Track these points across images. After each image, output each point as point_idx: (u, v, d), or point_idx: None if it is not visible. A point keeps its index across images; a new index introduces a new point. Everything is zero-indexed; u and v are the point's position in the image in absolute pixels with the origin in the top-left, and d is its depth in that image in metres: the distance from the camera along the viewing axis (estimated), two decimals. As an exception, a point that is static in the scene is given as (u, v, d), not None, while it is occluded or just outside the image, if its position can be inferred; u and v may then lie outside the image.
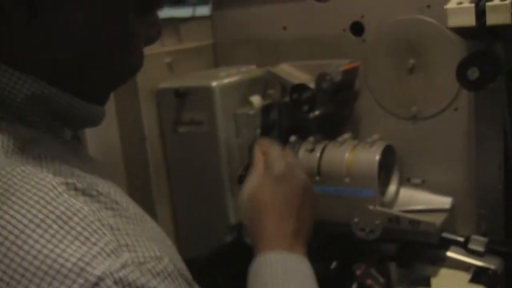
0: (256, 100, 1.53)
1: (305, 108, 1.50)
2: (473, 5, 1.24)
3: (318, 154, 1.51)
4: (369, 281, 1.51)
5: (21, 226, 0.60)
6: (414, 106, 1.54)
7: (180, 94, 1.51)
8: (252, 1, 1.70)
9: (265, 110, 1.55)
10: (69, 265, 0.59)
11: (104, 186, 0.70)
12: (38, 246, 0.59)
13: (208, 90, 1.49)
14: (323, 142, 1.55)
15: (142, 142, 1.54)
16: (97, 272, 0.59)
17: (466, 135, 1.53)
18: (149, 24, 0.81)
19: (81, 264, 0.59)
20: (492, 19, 1.23)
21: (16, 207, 0.61)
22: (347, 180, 1.47)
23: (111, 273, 0.60)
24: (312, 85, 1.49)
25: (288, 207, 1.19)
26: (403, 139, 1.57)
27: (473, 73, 1.32)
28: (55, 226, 0.61)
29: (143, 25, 0.79)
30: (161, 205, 1.60)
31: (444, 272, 1.52)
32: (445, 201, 1.55)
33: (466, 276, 1.50)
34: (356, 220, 1.47)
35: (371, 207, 1.46)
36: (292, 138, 1.57)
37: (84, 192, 0.67)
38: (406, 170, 1.59)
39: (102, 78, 0.80)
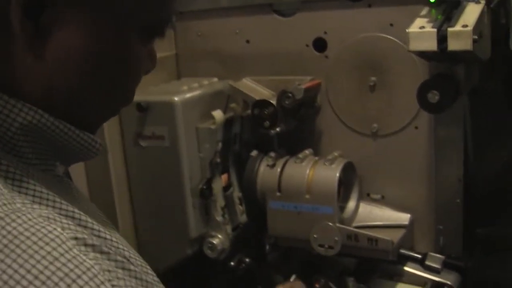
0: (218, 114, 1.53)
1: (267, 124, 1.51)
2: (435, 30, 1.25)
3: (279, 170, 1.52)
4: (327, 295, 1.53)
5: (24, 283, 0.55)
6: (375, 123, 1.55)
7: (142, 108, 1.51)
8: (216, 13, 1.69)
9: (227, 124, 1.55)
10: None
11: (106, 233, 0.68)
12: None
13: (170, 105, 1.49)
14: (284, 157, 1.56)
15: (104, 155, 1.53)
16: None
17: (426, 153, 1.54)
18: (148, 55, 0.79)
19: None
20: (453, 45, 1.24)
21: (20, 260, 0.56)
22: (307, 196, 1.48)
23: None
24: (274, 101, 1.50)
25: None
26: (364, 156, 1.58)
27: (434, 96, 1.33)
28: (62, 285, 0.55)
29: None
30: (123, 218, 1.60)
31: (401, 287, 1.55)
32: (403, 218, 1.57)
33: (423, 292, 1.52)
34: (315, 236, 1.49)
35: (330, 224, 1.47)
36: (254, 153, 1.58)
37: (94, 249, 0.62)
38: (366, 186, 1.60)
39: (99, 107, 0.77)
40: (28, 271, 0.55)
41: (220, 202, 1.57)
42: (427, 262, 1.49)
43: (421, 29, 1.27)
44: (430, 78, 1.39)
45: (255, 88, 1.59)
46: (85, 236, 0.62)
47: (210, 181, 1.54)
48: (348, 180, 1.56)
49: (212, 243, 1.55)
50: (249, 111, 1.55)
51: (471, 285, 1.57)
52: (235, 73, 1.65)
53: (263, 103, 1.50)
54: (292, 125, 1.57)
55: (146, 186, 1.58)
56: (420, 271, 1.54)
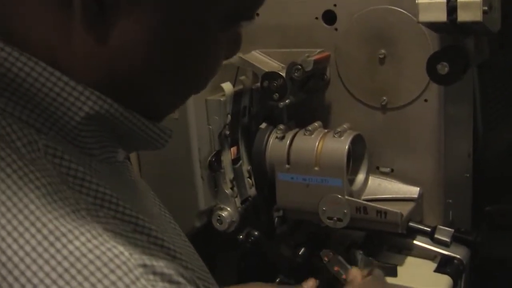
0: (227, 86, 1.52)
1: (276, 96, 1.50)
2: (444, 1, 1.24)
3: (288, 142, 1.52)
4: (336, 268, 1.52)
5: None
6: (385, 96, 1.55)
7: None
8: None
9: (236, 96, 1.55)
10: None
11: (172, 247, 0.64)
12: None
13: (179, 77, 1.48)
14: (294, 130, 1.55)
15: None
16: None
17: (436, 126, 1.53)
18: (231, 40, 0.74)
19: None
20: (463, 16, 1.23)
21: None
22: (316, 169, 1.48)
23: None
24: (283, 73, 1.49)
25: None
26: (373, 129, 1.58)
27: (443, 68, 1.32)
28: None
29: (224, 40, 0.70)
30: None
31: (410, 261, 1.55)
32: (413, 191, 1.56)
33: (432, 265, 1.53)
34: (324, 208, 1.48)
35: (339, 196, 1.47)
36: (263, 125, 1.58)
37: (163, 278, 0.56)
38: (376, 159, 1.60)
39: (168, 96, 0.71)
40: None
41: (229, 174, 1.56)
42: (436, 235, 1.48)
43: (430, 0, 1.26)
44: (440, 50, 1.39)
45: (265, 60, 1.58)
46: (154, 263, 0.56)
47: (219, 153, 1.53)
48: (357, 153, 1.56)
49: (221, 216, 1.55)
50: (258, 84, 1.54)
51: (480, 259, 1.57)
52: (244, 45, 1.60)
53: (272, 75, 1.50)
54: (301, 98, 1.57)
55: (155, 159, 1.58)
56: (429, 244, 1.54)
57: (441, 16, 1.25)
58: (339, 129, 1.50)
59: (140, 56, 0.63)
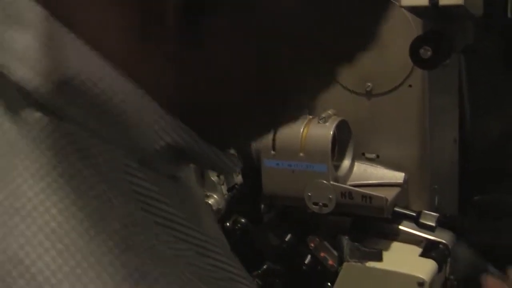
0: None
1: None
2: (426, -15, 1.25)
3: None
4: (322, 254, 1.53)
5: None
6: (369, 82, 1.55)
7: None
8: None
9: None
10: None
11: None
12: None
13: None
14: (279, 116, 1.56)
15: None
16: None
17: (421, 111, 1.54)
18: None
19: None
20: (445, 0, 1.24)
21: None
22: (301, 154, 1.49)
23: None
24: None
25: None
26: (358, 115, 1.58)
27: (426, 52, 1.32)
28: None
29: None
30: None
31: (395, 246, 1.55)
32: (398, 176, 1.57)
33: (418, 250, 1.53)
34: (309, 194, 1.49)
35: (324, 182, 1.47)
36: (248, 113, 1.58)
37: None
38: (361, 145, 1.60)
39: (254, 128, 0.64)
40: None
41: (215, 162, 1.57)
42: (422, 220, 1.49)
43: (412, -16, 1.27)
44: (422, 34, 1.39)
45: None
46: None
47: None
48: (342, 139, 1.56)
49: (208, 204, 1.56)
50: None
51: (467, 233, 1.58)
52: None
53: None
54: (286, 85, 1.57)
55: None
56: (415, 230, 1.54)
57: (423, 0, 1.26)
58: (323, 115, 1.51)
59: (229, 87, 0.57)
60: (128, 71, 0.54)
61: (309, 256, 1.55)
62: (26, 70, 0.51)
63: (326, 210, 1.49)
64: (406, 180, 1.57)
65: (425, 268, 1.46)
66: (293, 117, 0.66)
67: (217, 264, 0.58)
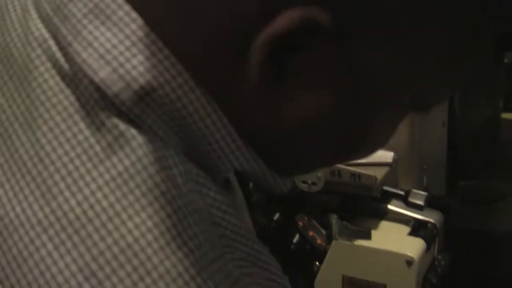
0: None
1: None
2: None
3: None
4: (311, 233, 1.53)
5: None
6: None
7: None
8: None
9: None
10: None
11: None
12: None
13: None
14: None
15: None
16: None
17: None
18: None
19: None
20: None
21: None
22: (290, 132, 1.48)
23: None
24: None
25: None
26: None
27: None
28: None
29: None
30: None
31: (384, 225, 1.55)
32: (387, 156, 1.57)
33: (406, 229, 1.53)
34: (298, 172, 1.49)
35: (313, 160, 1.47)
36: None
37: None
38: (350, 125, 1.60)
39: (316, 164, 0.65)
40: None
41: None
42: (410, 199, 1.49)
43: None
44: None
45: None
46: None
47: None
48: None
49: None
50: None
51: (454, 223, 1.58)
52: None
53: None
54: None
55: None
56: (404, 209, 1.54)
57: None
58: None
59: (308, 129, 0.56)
60: (213, 95, 0.53)
61: (297, 235, 1.55)
62: (110, 71, 0.49)
63: (315, 189, 1.49)
64: (395, 160, 1.57)
65: (413, 247, 1.46)
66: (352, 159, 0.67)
67: (271, 277, 0.57)
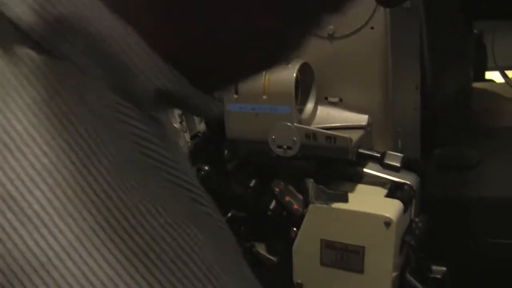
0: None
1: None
2: None
3: (236, 73, 1.51)
4: (287, 198, 1.52)
5: None
6: (331, 25, 1.54)
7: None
8: None
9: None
10: None
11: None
12: None
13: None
14: (241, 61, 1.54)
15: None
16: None
17: (383, 56, 1.54)
18: None
19: None
20: None
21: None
22: (264, 97, 1.48)
23: None
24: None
25: None
26: (321, 59, 1.57)
27: (387, -12, 1.32)
28: None
29: None
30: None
31: (361, 188, 1.55)
32: (362, 119, 1.56)
33: (383, 191, 1.53)
34: (273, 137, 1.48)
35: (288, 124, 1.46)
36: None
37: None
38: (324, 89, 1.59)
39: (239, 69, 0.69)
40: None
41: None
42: (386, 161, 1.48)
43: None
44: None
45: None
46: None
47: (166, 87, 1.52)
48: (305, 83, 1.56)
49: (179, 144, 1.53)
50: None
51: (429, 189, 1.59)
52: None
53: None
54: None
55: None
56: (380, 172, 1.54)
57: None
58: (286, 57, 1.50)
59: (221, 28, 0.55)
60: (126, 17, 0.53)
61: (274, 202, 1.54)
62: (24, 7, 0.49)
63: (290, 153, 1.48)
64: (369, 123, 1.57)
65: (391, 208, 1.46)
66: (283, 61, 0.66)
67: (209, 212, 0.58)
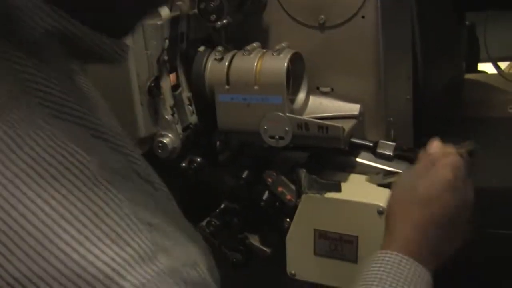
0: (164, 11, 1.50)
1: (213, 17, 1.49)
2: None
3: (226, 63, 1.51)
4: (280, 189, 1.52)
5: None
6: (322, 15, 1.54)
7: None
8: None
9: (173, 22, 1.53)
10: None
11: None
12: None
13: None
14: (232, 51, 1.54)
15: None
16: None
17: (374, 44, 1.53)
18: None
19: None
20: None
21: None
22: (256, 87, 1.47)
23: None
24: (219, -6, 1.48)
25: (444, 216, 1.09)
26: (312, 48, 1.57)
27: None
28: None
29: None
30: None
31: (354, 177, 1.54)
32: (354, 108, 1.56)
33: (376, 180, 1.52)
34: (265, 127, 1.48)
35: (280, 114, 1.46)
36: (201, 48, 1.56)
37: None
38: (315, 79, 1.59)
39: (131, 8, 0.70)
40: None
41: (169, 101, 1.54)
42: (379, 150, 1.48)
43: None
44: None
45: (200, -18, 1.57)
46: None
47: (158, 79, 1.51)
48: (297, 73, 1.55)
49: (163, 142, 1.53)
50: (195, 10, 1.53)
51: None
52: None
53: (209, -4, 1.49)
54: (239, 19, 1.55)
55: (93, 84, 1.55)
56: (372, 161, 1.53)
57: None
58: (277, 47, 1.50)
59: None
60: None
61: (266, 193, 1.54)
62: None
63: (282, 143, 1.48)
64: (362, 112, 1.56)
65: (384, 197, 1.44)
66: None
67: (117, 144, 0.66)
